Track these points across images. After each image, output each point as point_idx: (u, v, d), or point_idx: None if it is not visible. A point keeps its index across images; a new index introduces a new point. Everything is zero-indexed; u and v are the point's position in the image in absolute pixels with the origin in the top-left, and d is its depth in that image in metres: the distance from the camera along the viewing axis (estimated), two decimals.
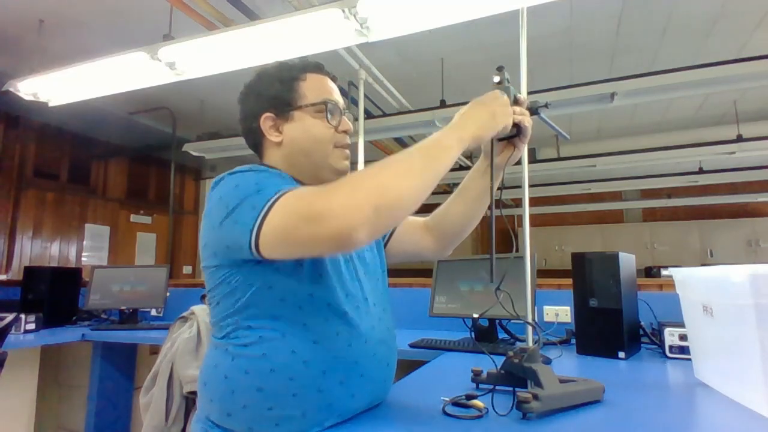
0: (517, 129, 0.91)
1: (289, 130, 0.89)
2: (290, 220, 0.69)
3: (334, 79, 0.97)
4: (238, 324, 0.79)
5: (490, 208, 0.96)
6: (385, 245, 1.06)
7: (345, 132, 0.92)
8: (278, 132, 0.90)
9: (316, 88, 0.91)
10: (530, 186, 1.63)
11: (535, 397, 0.78)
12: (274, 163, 0.91)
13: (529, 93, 1.01)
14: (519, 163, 0.98)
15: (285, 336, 0.77)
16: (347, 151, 0.93)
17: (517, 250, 1.04)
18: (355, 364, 0.81)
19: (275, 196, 0.71)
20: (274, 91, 0.90)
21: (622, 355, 1.36)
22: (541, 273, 2.12)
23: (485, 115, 0.83)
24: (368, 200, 0.67)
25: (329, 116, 0.90)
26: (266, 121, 0.90)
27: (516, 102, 0.92)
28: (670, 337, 1.37)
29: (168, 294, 2.68)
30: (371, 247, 0.99)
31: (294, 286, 0.78)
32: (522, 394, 0.79)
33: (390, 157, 0.75)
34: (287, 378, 0.75)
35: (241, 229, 0.72)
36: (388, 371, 0.90)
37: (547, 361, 1.30)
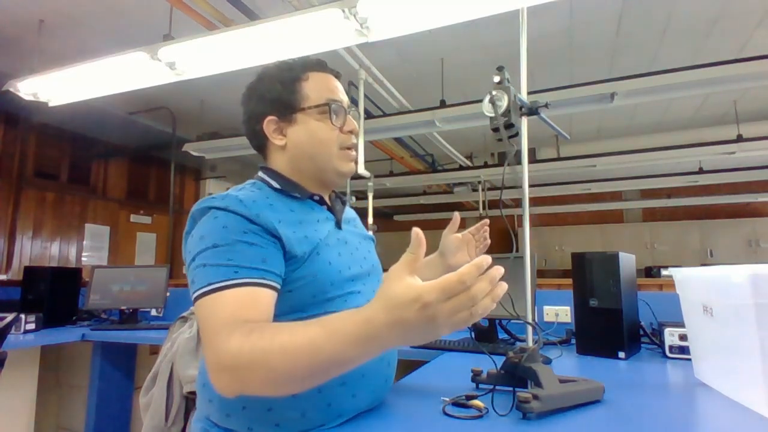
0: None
1: (292, 133, 0.88)
2: (202, 325, 0.69)
3: (337, 75, 0.94)
4: None
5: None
6: None
7: (350, 132, 0.90)
8: (282, 135, 0.89)
9: (318, 88, 0.89)
10: (530, 186, 1.63)
11: (535, 397, 0.78)
12: (278, 166, 0.90)
13: (529, 93, 1.01)
14: (519, 163, 0.98)
15: None
16: (353, 153, 0.92)
17: (517, 250, 1.04)
18: None
19: (210, 288, 0.69)
20: (276, 93, 0.88)
21: (622, 355, 1.36)
22: (541, 273, 2.12)
23: (431, 333, 0.57)
24: (236, 384, 0.63)
25: (333, 117, 0.88)
26: (269, 125, 0.88)
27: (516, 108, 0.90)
28: (670, 337, 1.37)
29: (168, 294, 2.68)
30: (370, 249, 0.99)
31: (294, 294, 0.78)
32: (522, 394, 0.79)
33: (297, 348, 0.60)
34: None
35: (191, 286, 0.73)
36: (389, 371, 0.90)
37: (547, 361, 1.29)
